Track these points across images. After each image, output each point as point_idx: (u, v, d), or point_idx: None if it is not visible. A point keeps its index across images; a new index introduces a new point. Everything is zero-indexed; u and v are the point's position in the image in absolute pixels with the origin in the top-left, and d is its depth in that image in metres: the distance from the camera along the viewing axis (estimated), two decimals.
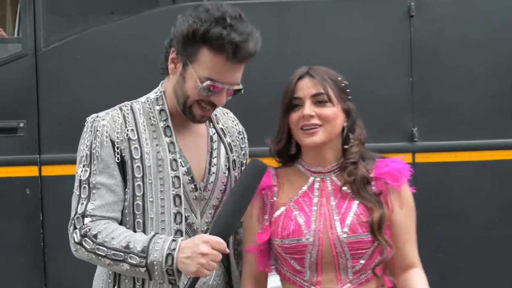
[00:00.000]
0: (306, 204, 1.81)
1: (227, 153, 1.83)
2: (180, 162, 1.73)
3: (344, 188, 1.81)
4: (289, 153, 1.86)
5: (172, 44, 1.72)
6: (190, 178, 1.74)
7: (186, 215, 1.73)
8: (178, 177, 1.72)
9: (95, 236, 1.65)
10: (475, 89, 3.32)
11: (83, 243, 1.65)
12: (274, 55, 3.23)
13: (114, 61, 3.29)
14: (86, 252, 1.66)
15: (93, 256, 1.65)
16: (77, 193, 1.70)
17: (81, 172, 1.70)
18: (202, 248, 1.57)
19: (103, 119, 1.72)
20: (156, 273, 1.61)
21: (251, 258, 1.86)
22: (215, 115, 1.86)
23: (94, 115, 1.75)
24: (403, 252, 1.81)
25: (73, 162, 3.13)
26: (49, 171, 3.26)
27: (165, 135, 1.74)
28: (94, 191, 1.68)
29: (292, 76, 1.83)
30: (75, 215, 1.69)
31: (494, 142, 3.35)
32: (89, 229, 1.66)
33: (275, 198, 1.85)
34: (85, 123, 1.75)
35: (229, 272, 1.84)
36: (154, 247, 1.61)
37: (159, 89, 1.79)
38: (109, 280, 1.76)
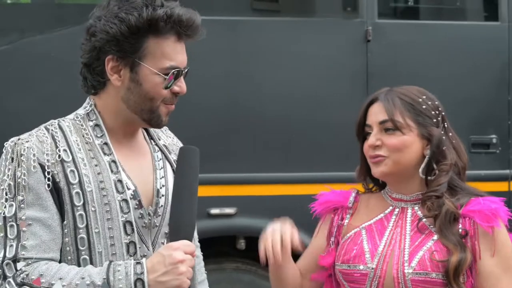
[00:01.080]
0: (378, 231, 1.74)
1: (174, 172, 1.71)
2: (126, 183, 1.58)
3: (424, 220, 1.70)
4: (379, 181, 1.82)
5: (101, 54, 1.56)
6: (137, 203, 1.59)
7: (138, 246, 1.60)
8: (126, 200, 1.56)
9: (37, 281, 1.45)
10: None
11: None
12: (226, 75, 3.22)
13: (49, 74, 3.15)
14: None
15: None
16: (1, 234, 1.49)
17: (4, 208, 1.50)
18: (177, 256, 1.46)
19: (27, 141, 1.53)
20: None
21: (313, 284, 1.83)
22: (154, 131, 1.75)
23: (13, 139, 1.56)
24: None
25: None
26: None
27: (104, 154, 1.59)
28: (24, 228, 1.48)
29: (364, 101, 1.79)
30: (2, 262, 1.47)
31: None
32: (27, 275, 1.46)
33: (346, 221, 1.81)
34: (3, 150, 1.55)
35: None
36: (117, 276, 1.46)
37: (88, 103, 1.65)
38: None
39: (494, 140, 3.53)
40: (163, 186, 1.66)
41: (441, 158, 1.72)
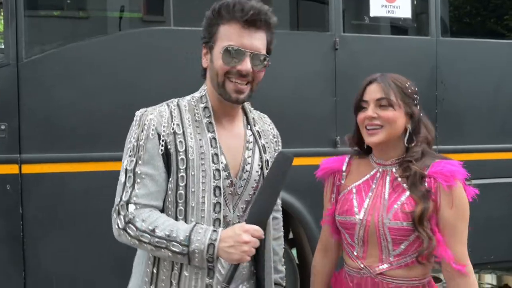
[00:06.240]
0: (365, 190, 1.89)
1: (260, 154, 1.83)
2: (220, 157, 1.73)
3: (399, 179, 1.84)
4: (364, 147, 1.95)
5: (201, 44, 1.76)
6: (227, 174, 1.75)
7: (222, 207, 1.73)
8: (218, 170, 1.71)
9: (139, 223, 1.64)
10: None
11: (127, 229, 1.65)
12: None
13: (87, 73, 3.50)
14: (129, 238, 1.65)
15: (136, 242, 1.65)
16: (123, 181, 1.69)
17: (128, 162, 1.69)
18: (244, 237, 1.59)
19: (151, 114, 1.71)
20: (196, 259, 1.62)
21: (326, 229, 2.01)
22: (253, 118, 1.89)
23: (142, 110, 1.74)
24: (451, 249, 1.77)
25: (50, 161, 3.43)
26: (28, 169, 3.40)
27: (208, 131, 1.73)
28: (138, 180, 1.67)
29: (364, 81, 1.90)
30: (119, 202, 1.67)
31: None
32: (133, 217, 1.64)
33: (342, 181, 1.97)
34: (134, 117, 1.75)
35: (257, 262, 1.83)
36: (196, 237, 1.61)
37: (203, 89, 1.80)
38: (149, 262, 1.76)
39: None
40: (248, 163, 1.80)
41: (418, 132, 1.86)
